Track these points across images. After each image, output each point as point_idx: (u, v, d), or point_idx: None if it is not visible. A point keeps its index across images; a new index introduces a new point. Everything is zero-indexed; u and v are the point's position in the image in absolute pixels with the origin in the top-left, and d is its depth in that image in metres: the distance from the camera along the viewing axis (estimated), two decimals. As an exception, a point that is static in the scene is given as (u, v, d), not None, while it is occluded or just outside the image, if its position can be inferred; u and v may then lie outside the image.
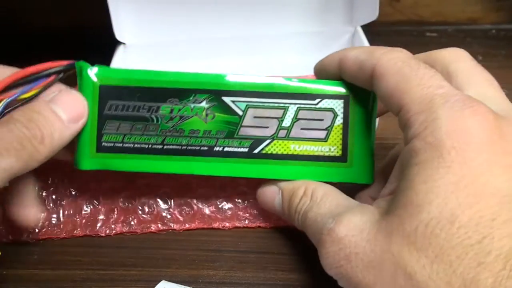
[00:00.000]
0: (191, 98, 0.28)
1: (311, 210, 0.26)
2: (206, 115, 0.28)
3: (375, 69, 0.24)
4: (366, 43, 0.40)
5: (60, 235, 0.30)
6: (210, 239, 0.30)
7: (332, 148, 0.28)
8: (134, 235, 0.30)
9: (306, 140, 0.28)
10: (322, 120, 0.28)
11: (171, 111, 0.28)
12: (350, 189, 0.28)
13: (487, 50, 0.48)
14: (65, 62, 0.28)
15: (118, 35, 0.41)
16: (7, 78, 0.26)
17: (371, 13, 0.41)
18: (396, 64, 0.24)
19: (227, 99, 0.28)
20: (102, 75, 0.28)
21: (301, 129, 0.28)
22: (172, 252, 0.29)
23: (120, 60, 0.41)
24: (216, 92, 0.27)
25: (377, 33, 0.45)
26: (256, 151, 0.28)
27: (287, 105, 0.27)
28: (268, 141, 0.28)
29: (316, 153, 0.28)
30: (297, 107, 0.27)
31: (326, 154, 0.28)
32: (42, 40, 0.52)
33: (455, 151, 0.20)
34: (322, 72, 0.28)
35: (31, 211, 0.28)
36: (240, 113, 0.27)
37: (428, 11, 0.52)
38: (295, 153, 0.28)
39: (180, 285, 0.27)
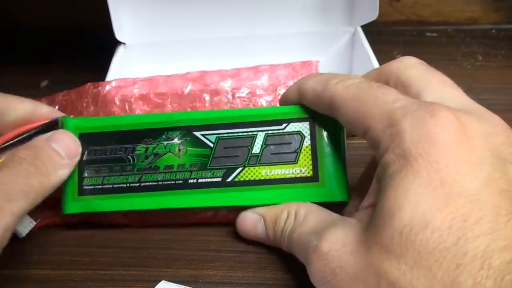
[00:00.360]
0: (163, 136, 0.29)
1: (295, 230, 0.26)
2: (179, 150, 0.29)
3: (332, 101, 0.25)
4: (366, 43, 0.40)
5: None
6: (210, 239, 0.30)
7: (303, 169, 0.28)
8: (134, 235, 0.30)
9: (276, 164, 0.28)
10: (290, 143, 0.28)
11: (146, 150, 0.29)
12: (338, 205, 0.28)
13: (487, 50, 0.48)
14: (45, 121, 0.29)
15: (118, 35, 0.41)
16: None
17: (371, 13, 0.41)
18: (350, 91, 0.24)
19: (197, 133, 0.29)
20: (81, 125, 0.30)
21: (271, 154, 0.28)
22: (172, 252, 0.29)
23: (120, 60, 0.41)
24: (186, 128, 0.29)
25: (377, 33, 0.45)
26: (229, 179, 0.28)
27: (255, 133, 0.29)
28: (240, 169, 0.28)
29: (288, 176, 0.28)
30: (265, 134, 0.28)
31: (298, 175, 0.28)
32: (42, 40, 0.52)
33: (421, 157, 0.21)
34: (286, 104, 0.29)
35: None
36: (211, 145, 0.29)
37: (428, 11, 0.52)
38: (267, 177, 0.28)
39: (180, 285, 0.27)
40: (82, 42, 0.50)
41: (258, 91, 0.34)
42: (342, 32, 0.44)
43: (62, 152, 0.27)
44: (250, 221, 0.28)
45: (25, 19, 0.53)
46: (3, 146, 0.28)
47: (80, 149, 0.29)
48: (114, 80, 0.34)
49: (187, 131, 0.29)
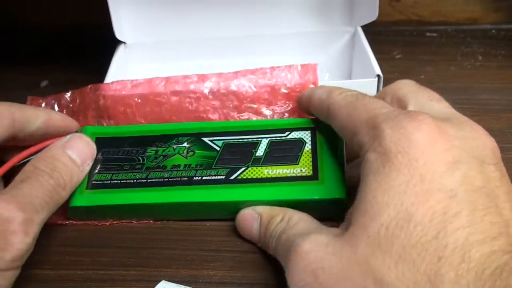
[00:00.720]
0: (174, 141, 0.31)
1: (285, 232, 0.26)
2: (187, 152, 0.31)
3: (329, 107, 0.28)
4: (366, 43, 0.40)
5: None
6: (210, 239, 0.30)
7: (303, 169, 0.29)
8: (134, 235, 0.30)
9: (278, 165, 0.30)
10: (292, 148, 0.30)
11: (156, 152, 0.31)
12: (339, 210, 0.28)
13: (487, 50, 0.48)
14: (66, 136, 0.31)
15: (118, 34, 0.41)
16: (10, 161, 0.29)
17: (371, 13, 0.41)
18: (345, 99, 0.27)
19: (205, 139, 0.31)
20: (99, 131, 0.33)
21: (273, 156, 0.30)
22: (172, 252, 0.29)
23: (120, 60, 0.41)
24: (196, 135, 0.31)
25: (377, 33, 0.45)
26: (232, 177, 0.30)
27: (259, 139, 0.31)
28: (243, 168, 0.30)
29: (289, 174, 0.29)
30: (269, 140, 0.31)
31: (298, 174, 0.29)
32: (42, 40, 0.52)
33: (401, 155, 0.22)
34: (305, 106, 0.32)
35: None
36: (218, 149, 0.31)
37: (428, 11, 0.52)
38: (269, 176, 0.29)
39: (180, 285, 0.27)
40: (82, 42, 0.50)
41: (258, 92, 0.34)
42: (342, 32, 0.44)
43: (78, 159, 0.29)
44: (248, 219, 0.29)
45: (25, 19, 0.53)
46: (29, 158, 0.29)
47: (95, 152, 0.31)
48: (114, 82, 0.34)
49: (196, 137, 0.31)
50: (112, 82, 0.34)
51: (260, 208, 0.29)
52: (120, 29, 0.41)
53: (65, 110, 0.35)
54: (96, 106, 0.34)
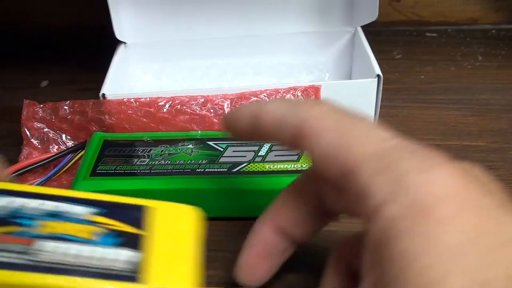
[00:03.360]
0: (179, 144, 0.32)
1: None
2: (192, 151, 0.32)
3: (301, 127, 0.20)
4: (366, 43, 0.40)
5: None
6: (210, 239, 0.30)
7: (303, 164, 0.30)
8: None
9: (279, 162, 0.30)
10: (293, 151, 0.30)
11: (162, 151, 0.32)
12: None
13: (487, 50, 0.48)
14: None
15: (118, 34, 0.41)
16: (23, 162, 0.29)
17: (371, 13, 0.41)
18: (330, 118, 0.20)
19: (210, 142, 0.32)
20: (108, 136, 0.33)
21: (275, 155, 0.31)
22: (172, 252, 0.29)
23: (120, 60, 0.41)
24: (201, 140, 0.33)
25: (377, 33, 0.45)
26: (234, 170, 0.30)
27: (262, 143, 0.32)
28: (245, 164, 0.31)
29: (290, 169, 0.30)
30: (271, 144, 0.32)
31: (299, 168, 0.30)
32: (42, 40, 0.52)
33: (443, 204, 0.16)
34: (232, 128, 0.24)
35: None
36: (221, 149, 0.32)
37: (428, 11, 0.52)
38: (270, 170, 0.30)
39: (179, 285, 0.26)
40: (82, 42, 0.50)
41: None
42: (342, 32, 0.44)
43: None
44: None
45: (25, 19, 0.53)
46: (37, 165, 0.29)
47: None
48: (119, 100, 0.34)
49: (201, 141, 0.32)
50: (116, 100, 0.34)
51: None
52: (120, 29, 0.41)
53: (64, 124, 0.35)
54: (100, 123, 0.35)
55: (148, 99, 0.34)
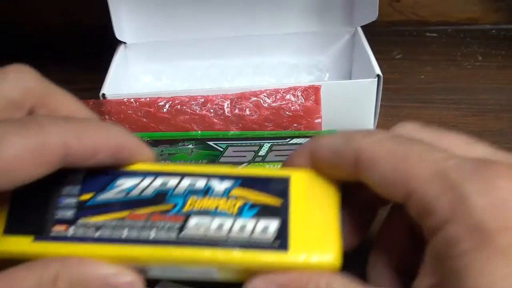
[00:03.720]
0: (179, 144, 0.32)
1: None
2: (191, 151, 0.32)
3: (360, 157, 0.21)
4: (366, 43, 0.40)
5: None
6: (210, 239, 0.30)
7: None
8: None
9: (280, 162, 0.31)
10: (293, 150, 0.29)
11: (162, 151, 0.32)
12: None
13: (487, 50, 0.48)
14: None
15: (118, 34, 0.41)
16: None
17: (371, 13, 0.41)
18: (384, 145, 0.20)
19: (210, 142, 0.32)
20: None
21: (275, 156, 0.31)
22: (172, 252, 0.29)
23: (121, 60, 0.41)
24: (201, 140, 0.32)
25: (377, 33, 0.45)
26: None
27: (262, 143, 0.31)
28: (245, 164, 0.31)
29: None
30: (271, 144, 0.31)
31: None
32: (42, 40, 0.52)
33: (505, 232, 0.17)
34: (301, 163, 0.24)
35: None
36: (221, 149, 0.32)
37: (428, 11, 0.52)
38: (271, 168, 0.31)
39: (180, 285, 0.26)
40: (82, 42, 0.50)
41: (262, 115, 0.34)
42: (342, 32, 0.44)
43: None
44: None
45: (25, 19, 0.53)
46: None
47: None
48: (118, 100, 0.34)
49: (201, 141, 0.32)
50: (116, 100, 0.34)
51: (277, 277, 0.21)
52: (120, 29, 0.41)
53: None
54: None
55: (148, 99, 0.34)
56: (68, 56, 0.50)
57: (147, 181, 0.23)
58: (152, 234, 0.21)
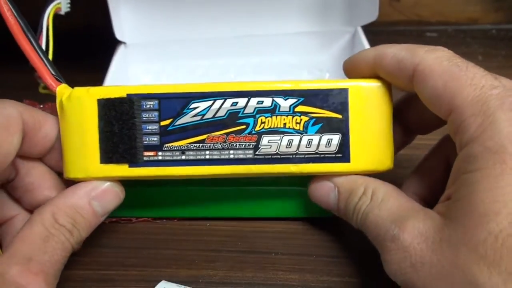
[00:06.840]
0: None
1: (372, 211, 0.24)
2: None
3: (417, 69, 0.23)
4: (366, 43, 0.40)
5: None
6: (210, 239, 0.30)
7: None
8: (134, 235, 0.30)
9: None
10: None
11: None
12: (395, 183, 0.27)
13: (487, 50, 0.48)
14: None
15: (118, 34, 0.41)
16: None
17: (371, 13, 0.41)
18: (442, 63, 0.22)
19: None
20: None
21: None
22: (172, 252, 0.29)
23: (120, 60, 0.41)
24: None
25: (377, 33, 0.45)
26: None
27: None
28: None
29: None
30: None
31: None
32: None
33: None
34: (353, 69, 0.27)
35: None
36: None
37: (428, 11, 0.52)
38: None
39: (180, 285, 0.27)
40: (82, 42, 0.50)
41: None
42: (342, 32, 0.44)
43: (100, 211, 0.26)
44: (323, 189, 0.27)
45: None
46: None
47: (121, 201, 0.27)
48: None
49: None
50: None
51: (336, 179, 0.26)
52: (120, 29, 0.41)
53: None
54: None
55: (148, 99, 0.34)
56: (68, 56, 0.50)
57: (218, 103, 0.25)
58: (232, 154, 0.25)
